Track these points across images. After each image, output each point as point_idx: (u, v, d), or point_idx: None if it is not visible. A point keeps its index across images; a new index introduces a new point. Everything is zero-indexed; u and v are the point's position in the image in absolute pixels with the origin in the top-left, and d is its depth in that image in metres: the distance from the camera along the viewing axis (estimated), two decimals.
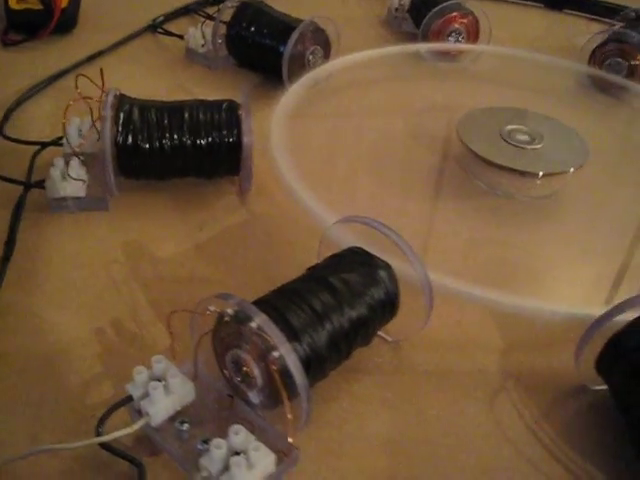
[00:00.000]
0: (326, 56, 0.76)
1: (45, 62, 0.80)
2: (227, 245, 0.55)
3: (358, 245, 0.44)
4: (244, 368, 0.38)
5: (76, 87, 0.54)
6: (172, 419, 0.37)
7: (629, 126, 0.79)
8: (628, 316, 0.40)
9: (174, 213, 0.57)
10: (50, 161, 0.56)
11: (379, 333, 0.45)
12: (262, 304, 0.38)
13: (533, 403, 0.43)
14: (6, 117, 0.67)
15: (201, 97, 0.60)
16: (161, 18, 0.91)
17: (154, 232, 0.55)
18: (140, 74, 0.79)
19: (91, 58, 0.81)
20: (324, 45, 0.76)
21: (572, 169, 0.60)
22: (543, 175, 0.59)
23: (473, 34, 0.85)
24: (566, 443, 0.41)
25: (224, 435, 0.34)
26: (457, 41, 0.84)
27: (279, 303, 0.39)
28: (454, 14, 0.83)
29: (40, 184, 0.56)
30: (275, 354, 0.35)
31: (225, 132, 0.56)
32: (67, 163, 0.56)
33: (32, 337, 0.45)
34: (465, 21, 0.83)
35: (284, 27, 0.74)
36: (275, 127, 0.61)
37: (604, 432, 0.41)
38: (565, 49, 0.91)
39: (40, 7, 0.85)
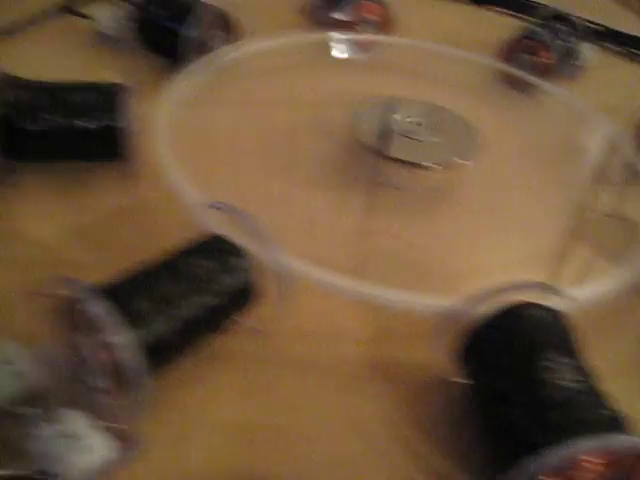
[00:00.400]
0: (230, 42, 0.75)
1: None
2: (105, 229, 0.53)
3: (223, 232, 0.43)
4: (86, 352, 0.36)
5: None
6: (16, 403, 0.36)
7: (529, 121, 0.79)
8: (487, 307, 0.40)
9: (55, 196, 0.56)
10: None
11: (245, 321, 0.44)
12: (108, 290, 0.37)
13: (392, 395, 0.42)
14: None
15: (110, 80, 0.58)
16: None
17: (32, 212, 0.54)
18: (50, 56, 0.76)
19: None
20: (227, 30, 0.74)
21: (462, 161, 0.60)
22: (433, 167, 0.59)
23: (385, 25, 0.84)
24: (421, 436, 0.40)
25: (63, 419, 0.33)
26: (367, 31, 0.83)
27: (125, 289, 0.38)
28: (364, 3, 0.82)
29: None
30: (113, 340, 0.34)
31: (104, 115, 0.54)
32: None
33: None
34: (376, 11, 0.83)
35: (186, 10, 0.72)
36: (163, 112, 0.60)
37: (460, 425, 0.41)
38: (483, 45, 0.91)
39: None
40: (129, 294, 0.37)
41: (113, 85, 0.56)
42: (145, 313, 0.37)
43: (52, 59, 0.76)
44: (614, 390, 0.43)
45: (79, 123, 0.54)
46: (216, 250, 0.42)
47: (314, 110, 0.71)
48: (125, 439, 0.35)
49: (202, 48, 0.72)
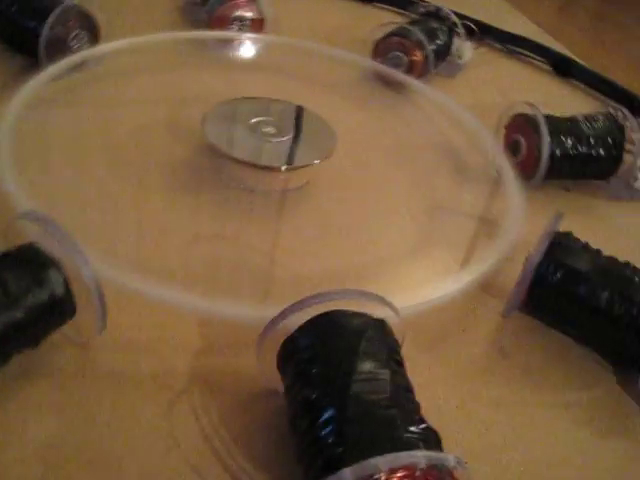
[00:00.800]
0: (94, 42, 0.72)
1: None
2: None
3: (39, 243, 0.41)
4: None
5: None
6: None
7: (399, 121, 0.79)
8: (302, 317, 0.39)
9: None
10: None
11: (62, 335, 0.42)
12: None
13: (214, 407, 0.41)
14: None
15: None
16: None
17: None
18: None
19: None
20: (91, 30, 0.72)
21: (316, 162, 0.59)
22: (282, 168, 0.58)
23: (259, 23, 0.83)
24: (240, 450, 0.39)
25: None
26: (240, 29, 0.81)
27: None
28: (237, 0, 0.81)
29: None
30: None
31: None
32: None
33: None
34: (249, 8, 0.81)
35: (45, 7, 0.69)
36: (8, 114, 0.57)
37: (283, 439, 0.40)
38: (363, 43, 0.91)
39: None
40: None
41: None
42: None
43: None
44: (458, 395, 0.44)
45: None
46: (29, 262, 0.40)
47: (168, 111, 0.70)
48: None
49: (64, 48, 0.69)
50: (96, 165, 0.61)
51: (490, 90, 0.90)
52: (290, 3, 0.98)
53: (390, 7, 1.09)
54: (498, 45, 1.02)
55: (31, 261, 0.40)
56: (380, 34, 0.83)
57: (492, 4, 1.21)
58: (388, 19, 1.02)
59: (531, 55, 1.00)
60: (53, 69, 0.64)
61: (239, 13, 0.81)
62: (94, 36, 0.73)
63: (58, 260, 0.40)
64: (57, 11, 0.68)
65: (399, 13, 1.07)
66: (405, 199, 0.64)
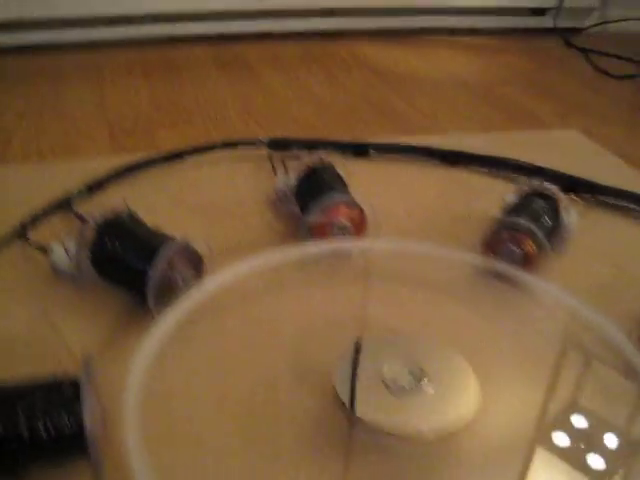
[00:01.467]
0: (198, 274, 0.70)
1: None
2: None
3: None
4: None
5: None
6: None
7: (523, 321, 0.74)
8: None
9: None
10: None
11: None
12: None
13: None
14: None
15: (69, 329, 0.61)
16: (29, 219, 0.84)
17: None
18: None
19: None
20: (196, 263, 0.70)
21: (463, 418, 0.54)
22: (422, 433, 0.53)
23: (360, 226, 0.80)
24: None
25: None
26: (343, 235, 0.78)
27: None
28: (338, 207, 0.78)
29: None
30: None
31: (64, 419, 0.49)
32: None
33: None
34: (351, 213, 0.78)
35: (151, 247, 0.67)
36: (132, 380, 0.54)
37: None
38: (463, 219, 0.88)
39: None
40: None
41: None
42: None
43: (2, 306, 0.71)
44: None
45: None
46: None
47: (298, 346, 0.66)
48: None
49: (170, 286, 0.67)
50: (221, 431, 0.57)
51: (604, 263, 0.84)
52: (378, 182, 0.96)
53: (479, 168, 1.05)
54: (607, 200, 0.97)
55: None
56: (487, 229, 0.79)
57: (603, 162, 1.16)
58: (481, 182, 0.99)
59: None
60: (172, 317, 0.62)
61: (340, 219, 0.78)
62: (199, 270, 0.70)
63: None
64: (167, 252, 0.65)
65: (487, 174, 1.03)
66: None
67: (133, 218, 0.73)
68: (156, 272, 0.65)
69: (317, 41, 1.77)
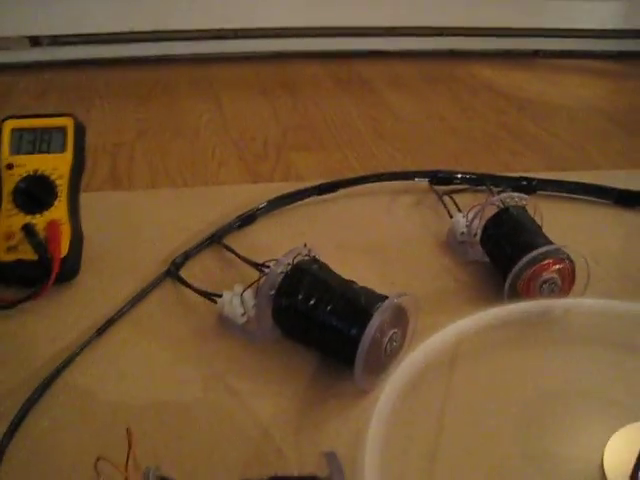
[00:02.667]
0: (403, 336, 0.60)
1: (41, 331, 0.64)
2: None
3: None
4: None
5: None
6: None
7: None
8: None
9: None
10: None
11: None
12: None
13: None
14: None
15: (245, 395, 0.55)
16: (180, 258, 0.74)
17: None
18: (160, 353, 0.62)
19: (101, 331, 0.64)
20: (404, 325, 0.60)
21: None
22: None
23: (568, 281, 0.69)
24: None
25: None
26: (551, 292, 0.68)
27: None
28: (548, 261, 0.67)
29: None
30: None
31: None
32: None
33: None
34: (560, 267, 0.68)
35: (354, 306, 0.58)
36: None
37: None
38: None
39: (34, 257, 0.68)
40: None
41: None
42: None
43: (164, 359, 0.62)
44: None
45: None
46: None
47: (527, 419, 0.56)
48: None
49: (377, 350, 0.57)
50: None
51: None
52: (555, 224, 0.85)
53: None
54: None
55: None
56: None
57: None
58: None
59: None
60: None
61: (549, 275, 0.67)
62: (407, 326, 0.60)
63: None
64: (381, 317, 0.56)
65: None
66: None
67: (322, 266, 0.63)
68: (368, 338, 0.55)
69: (432, 61, 1.67)
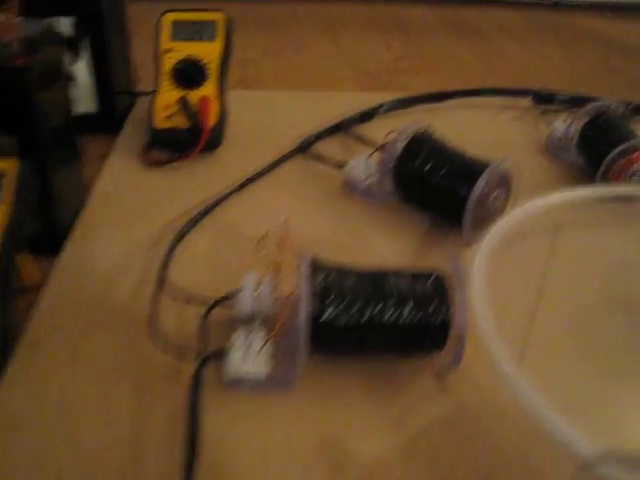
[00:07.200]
0: (506, 198, 0.69)
1: (191, 184, 0.76)
2: (431, 444, 0.47)
3: None
4: None
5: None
6: None
7: None
8: None
9: (368, 400, 0.50)
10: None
11: None
12: None
13: None
14: (165, 265, 0.61)
15: (368, 237, 0.64)
16: (311, 138, 0.85)
17: (347, 423, 0.48)
18: (292, 205, 0.73)
19: (242, 185, 0.75)
20: (507, 189, 0.68)
21: None
22: None
23: None
24: None
25: None
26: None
27: None
28: (638, 153, 0.75)
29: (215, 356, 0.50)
30: None
31: (433, 308, 0.49)
32: (246, 336, 0.50)
33: None
34: None
35: (466, 169, 0.67)
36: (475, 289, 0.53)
37: None
38: None
39: (186, 126, 0.80)
40: None
41: (439, 274, 0.51)
42: None
43: (296, 210, 0.73)
44: None
45: (407, 317, 0.48)
46: None
47: (610, 277, 0.64)
48: None
49: (483, 209, 0.66)
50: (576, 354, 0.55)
51: None
52: None
53: None
54: None
55: None
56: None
57: None
58: None
59: None
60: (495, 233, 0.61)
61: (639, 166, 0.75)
62: (509, 192, 0.69)
63: None
64: (486, 174, 0.65)
65: None
66: None
67: (437, 138, 0.72)
68: (476, 194, 0.64)
69: (537, 10, 1.72)
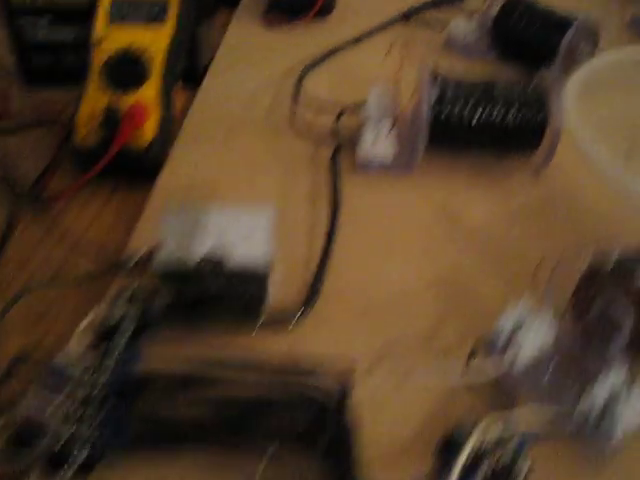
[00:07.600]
0: (592, 52, 0.77)
1: (307, 43, 0.84)
2: (536, 216, 0.57)
3: None
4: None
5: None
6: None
7: None
8: None
9: (474, 186, 0.60)
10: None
11: None
12: None
13: None
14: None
15: None
16: (412, 10, 0.93)
17: (462, 197, 0.59)
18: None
19: (355, 41, 0.85)
20: (594, 39, 0.77)
21: None
22: None
23: None
24: None
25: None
26: None
27: None
28: None
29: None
30: None
31: (534, 110, 0.58)
32: (375, 126, 0.61)
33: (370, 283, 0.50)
34: None
35: (558, 21, 0.75)
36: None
37: None
38: None
39: None
40: None
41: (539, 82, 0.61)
42: None
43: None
44: None
45: (511, 118, 0.58)
46: None
47: None
48: None
49: (572, 58, 0.75)
50: None
51: None
52: None
53: None
54: None
55: None
56: None
57: None
58: None
59: None
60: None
61: None
62: (595, 44, 0.77)
63: None
64: (576, 24, 0.73)
65: None
66: None
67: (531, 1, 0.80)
68: (566, 42, 0.73)
69: None
